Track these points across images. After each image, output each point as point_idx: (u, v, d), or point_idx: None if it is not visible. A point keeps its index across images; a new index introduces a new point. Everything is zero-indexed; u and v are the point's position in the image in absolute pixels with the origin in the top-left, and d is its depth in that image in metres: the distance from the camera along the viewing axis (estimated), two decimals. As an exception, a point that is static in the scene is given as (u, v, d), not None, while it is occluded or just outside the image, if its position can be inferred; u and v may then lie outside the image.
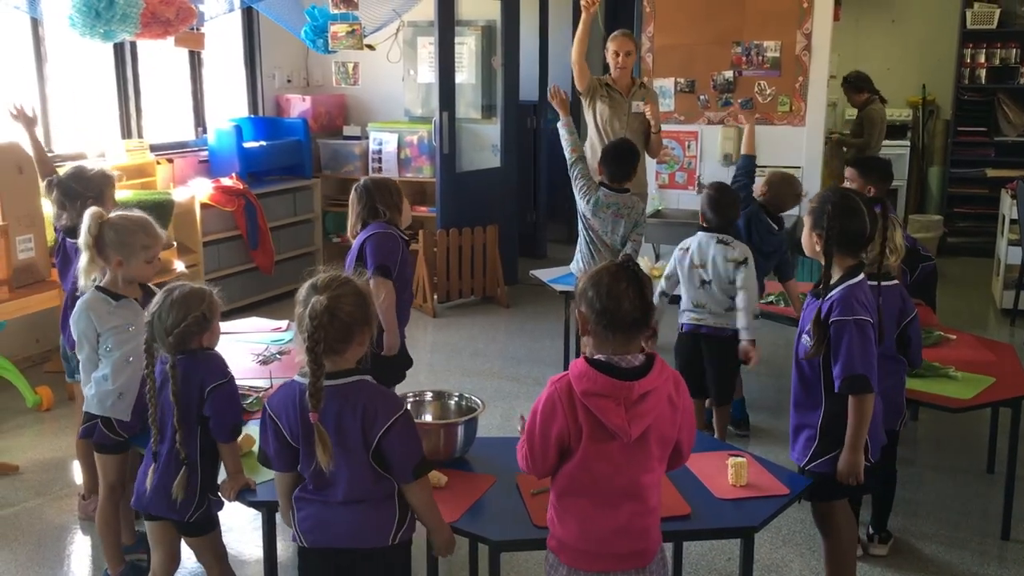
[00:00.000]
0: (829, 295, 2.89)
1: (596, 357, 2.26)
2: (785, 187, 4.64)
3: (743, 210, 4.55)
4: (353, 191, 3.70)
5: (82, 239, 3.08)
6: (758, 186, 4.73)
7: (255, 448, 3.03)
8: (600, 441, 2.24)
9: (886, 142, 9.04)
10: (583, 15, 5.38)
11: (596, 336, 2.27)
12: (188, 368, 2.75)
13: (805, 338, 2.94)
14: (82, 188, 3.59)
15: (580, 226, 4.88)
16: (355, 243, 3.66)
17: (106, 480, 3.29)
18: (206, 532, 2.93)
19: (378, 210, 3.62)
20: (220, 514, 3.02)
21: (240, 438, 2.90)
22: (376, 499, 2.43)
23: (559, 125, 4.92)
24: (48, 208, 3.75)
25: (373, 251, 3.54)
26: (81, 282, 3.13)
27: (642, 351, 2.28)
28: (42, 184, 3.71)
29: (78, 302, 3.17)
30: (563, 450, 2.29)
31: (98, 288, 3.16)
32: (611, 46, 5.55)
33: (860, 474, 2.88)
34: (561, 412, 2.24)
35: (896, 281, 3.42)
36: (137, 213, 3.23)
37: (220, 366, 2.82)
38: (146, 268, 3.19)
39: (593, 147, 5.51)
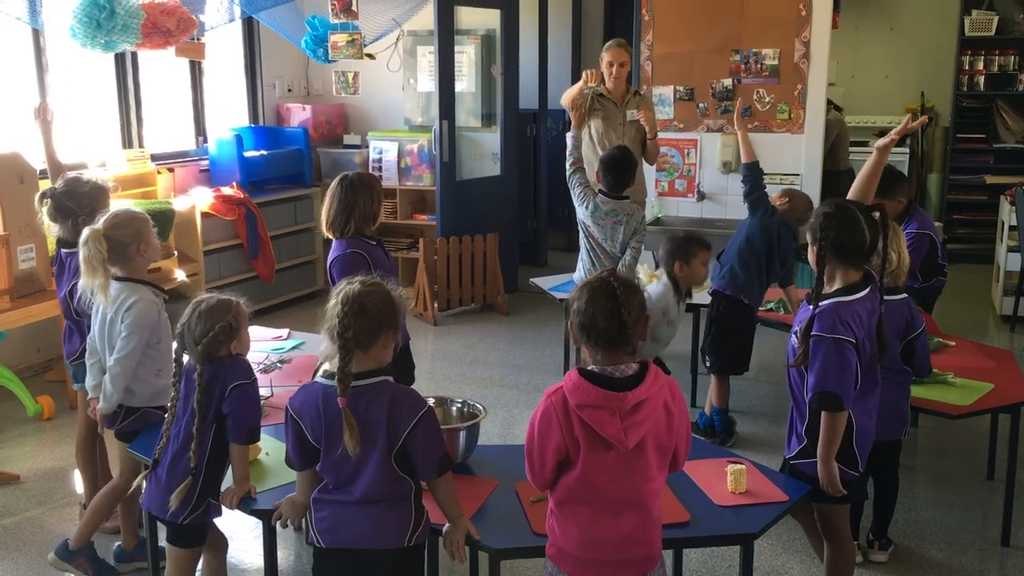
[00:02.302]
0: (818, 306, 2.88)
1: (589, 368, 2.29)
2: (804, 204, 4.66)
3: (771, 217, 4.58)
4: (338, 183, 3.70)
5: (93, 259, 3.08)
6: (775, 196, 4.72)
7: (260, 456, 3.07)
8: (597, 452, 2.25)
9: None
10: (580, 82, 5.47)
11: (586, 347, 2.31)
12: (213, 373, 2.82)
13: (793, 339, 2.96)
14: (75, 205, 3.58)
15: (581, 234, 4.89)
16: (328, 258, 3.73)
17: (131, 463, 3.34)
18: (188, 545, 2.94)
19: (347, 226, 3.65)
20: (221, 522, 3.03)
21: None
22: (393, 500, 2.46)
23: (568, 136, 4.97)
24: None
25: (339, 274, 3.57)
26: (100, 299, 3.16)
27: (634, 359, 2.29)
28: (35, 197, 3.70)
29: (145, 301, 3.21)
30: (562, 462, 2.30)
31: (139, 282, 3.26)
32: (605, 56, 5.58)
33: (837, 484, 2.88)
34: (557, 425, 2.26)
35: (904, 295, 3.42)
36: (120, 208, 3.36)
37: (245, 368, 2.90)
38: (158, 246, 3.37)
39: (589, 161, 5.53)
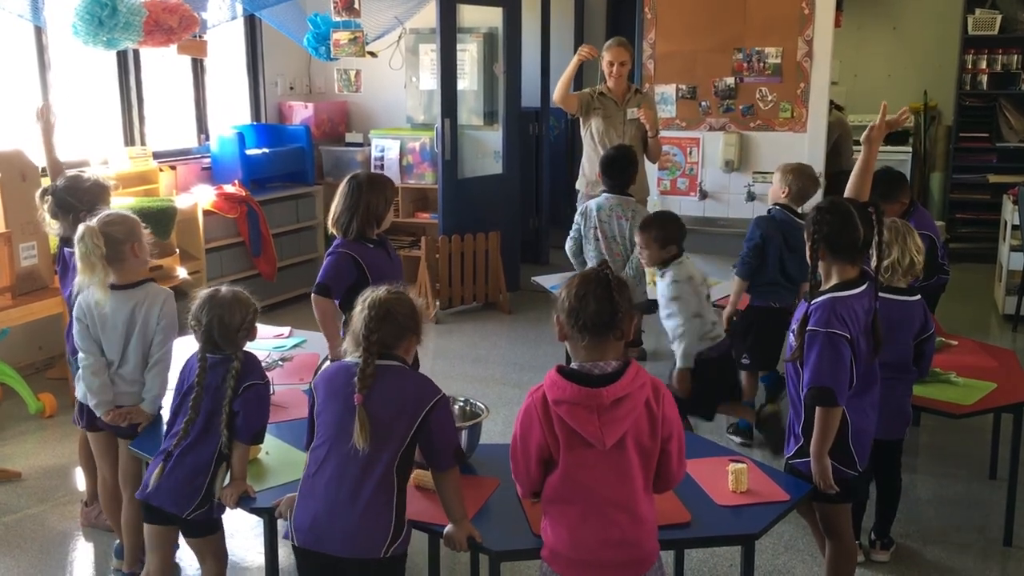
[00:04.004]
0: (814, 301, 2.89)
1: (570, 366, 2.31)
2: (804, 177, 4.57)
3: (758, 241, 4.48)
4: (346, 182, 3.77)
5: (91, 255, 3.05)
6: (776, 189, 4.61)
7: (260, 456, 3.07)
8: (578, 450, 2.26)
9: (888, 148, 9.07)
10: (575, 58, 5.50)
11: (570, 340, 2.32)
12: (240, 365, 2.83)
13: (791, 337, 2.97)
14: (76, 201, 3.56)
15: (590, 243, 4.86)
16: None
17: (135, 471, 3.30)
18: (208, 534, 2.94)
19: (350, 226, 3.69)
20: (223, 519, 3.03)
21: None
22: (376, 504, 2.43)
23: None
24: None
25: (324, 269, 3.70)
26: (99, 295, 3.12)
27: (618, 358, 2.29)
28: (36, 193, 3.69)
29: (171, 298, 3.23)
30: (545, 461, 2.31)
31: (153, 281, 3.26)
32: (606, 55, 5.58)
33: (829, 479, 2.88)
34: (537, 423, 2.28)
35: (918, 297, 3.43)
36: (110, 210, 3.35)
37: (260, 368, 2.92)
38: (148, 249, 3.32)
39: (591, 160, 5.53)
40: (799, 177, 4.56)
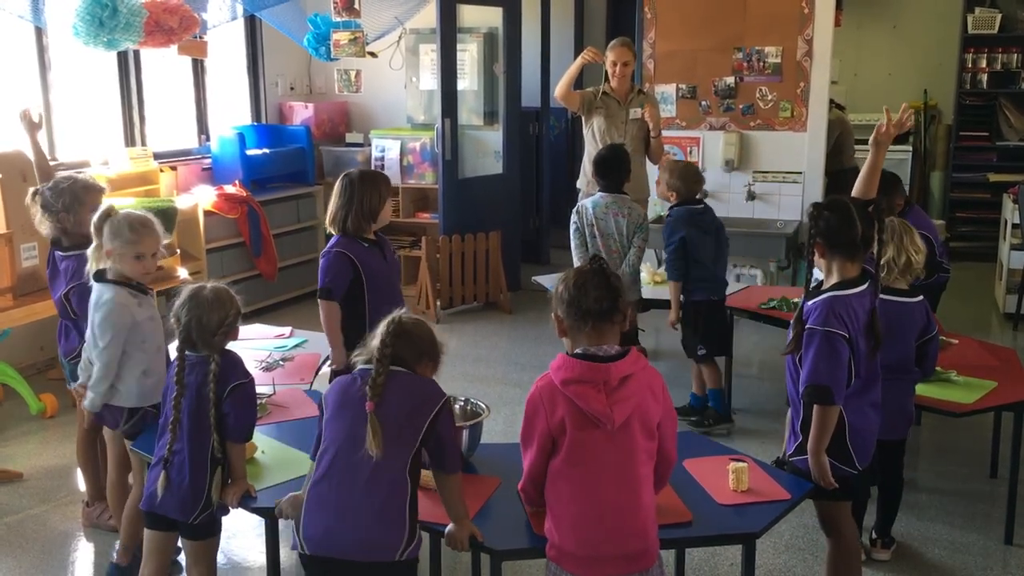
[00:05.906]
0: (814, 299, 2.90)
1: (575, 352, 2.35)
2: (686, 176, 4.76)
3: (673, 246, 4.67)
4: (340, 179, 3.78)
5: (92, 227, 3.21)
6: (663, 191, 4.81)
7: (257, 455, 3.06)
8: (585, 431, 2.28)
9: (889, 147, 9.04)
10: (578, 59, 5.58)
11: (571, 331, 2.36)
12: (218, 367, 2.81)
13: (790, 333, 2.98)
14: (54, 201, 3.60)
15: (586, 242, 4.88)
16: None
17: (143, 463, 3.28)
18: (207, 536, 2.92)
19: (347, 222, 3.70)
20: (225, 519, 3.03)
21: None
22: (391, 508, 2.41)
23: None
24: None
25: (322, 272, 3.73)
26: (90, 265, 3.21)
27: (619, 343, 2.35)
28: (28, 193, 3.71)
29: (106, 299, 3.18)
30: (548, 453, 2.35)
31: (115, 283, 3.22)
32: (610, 55, 5.59)
33: (828, 477, 2.88)
34: (542, 411, 2.31)
35: (920, 297, 3.44)
36: (139, 212, 3.32)
37: (243, 366, 2.90)
38: (134, 264, 3.22)
39: (592, 159, 5.53)
40: (681, 179, 4.75)
